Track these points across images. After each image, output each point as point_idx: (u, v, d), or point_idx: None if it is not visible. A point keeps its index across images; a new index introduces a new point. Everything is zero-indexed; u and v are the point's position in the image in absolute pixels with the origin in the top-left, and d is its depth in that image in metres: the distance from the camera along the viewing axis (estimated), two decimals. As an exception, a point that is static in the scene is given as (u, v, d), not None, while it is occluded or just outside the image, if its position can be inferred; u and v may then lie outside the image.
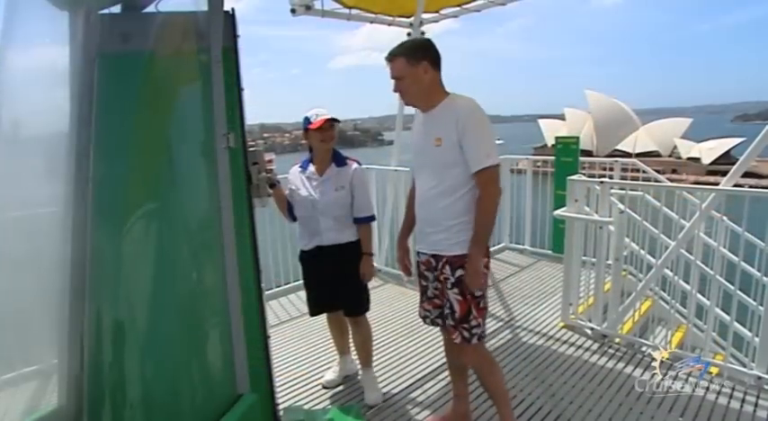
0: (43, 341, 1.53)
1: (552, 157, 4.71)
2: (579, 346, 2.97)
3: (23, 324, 1.47)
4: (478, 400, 2.37)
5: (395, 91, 1.91)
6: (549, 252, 4.69)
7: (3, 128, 1.45)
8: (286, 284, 3.96)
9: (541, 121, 48.52)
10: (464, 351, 1.97)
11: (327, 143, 2.31)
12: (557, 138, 4.79)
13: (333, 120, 2.28)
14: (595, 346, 2.94)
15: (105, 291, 1.46)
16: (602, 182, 3.02)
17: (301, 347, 3.07)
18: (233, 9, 1.81)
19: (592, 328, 3.07)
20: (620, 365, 2.71)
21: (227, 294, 1.55)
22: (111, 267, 1.48)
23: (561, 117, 46.76)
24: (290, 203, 2.42)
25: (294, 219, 2.44)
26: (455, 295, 1.87)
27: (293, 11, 3.41)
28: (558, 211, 3.16)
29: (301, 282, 3.92)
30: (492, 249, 4.78)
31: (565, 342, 3.04)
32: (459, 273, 1.85)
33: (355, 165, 2.36)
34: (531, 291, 3.92)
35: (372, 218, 2.41)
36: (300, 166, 2.42)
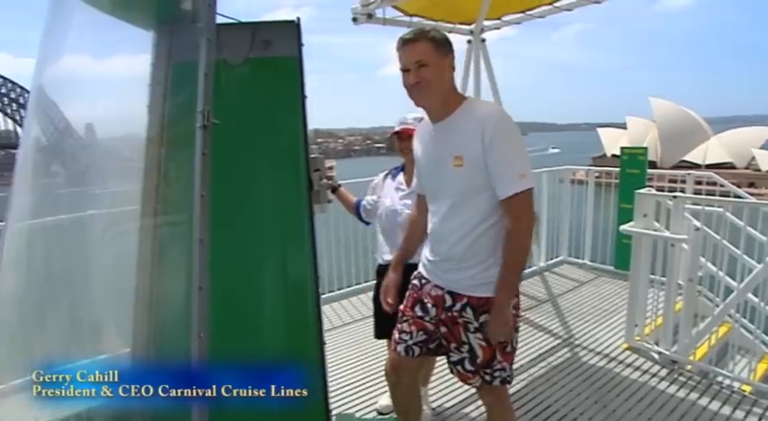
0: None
1: (616, 169, 4.47)
2: (645, 371, 2.77)
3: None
4: None
5: (410, 82, 1.48)
6: (611, 268, 4.45)
7: (95, 132, 1.59)
8: (339, 290, 4.00)
9: (601, 130, 46.52)
10: (483, 388, 1.66)
11: (408, 155, 2.11)
12: (622, 148, 4.55)
13: (409, 133, 2.02)
14: (663, 372, 2.74)
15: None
16: (675, 196, 2.82)
17: (353, 354, 3.07)
18: (298, 19, 1.86)
19: (660, 352, 2.86)
20: (694, 395, 2.50)
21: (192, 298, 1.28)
22: (174, 257, 1.59)
23: (622, 126, 44.60)
24: (358, 204, 2.38)
25: (361, 218, 2.40)
26: (478, 340, 1.56)
27: (355, 19, 3.45)
28: (624, 226, 2.98)
29: (355, 286, 4.03)
30: (550, 263, 4.68)
31: (629, 365, 2.85)
32: (484, 317, 1.54)
33: None
34: (592, 309, 3.72)
35: None
36: (391, 173, 2.29)
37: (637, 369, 2.80)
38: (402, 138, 2.13)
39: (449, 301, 1.60)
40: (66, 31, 1.57)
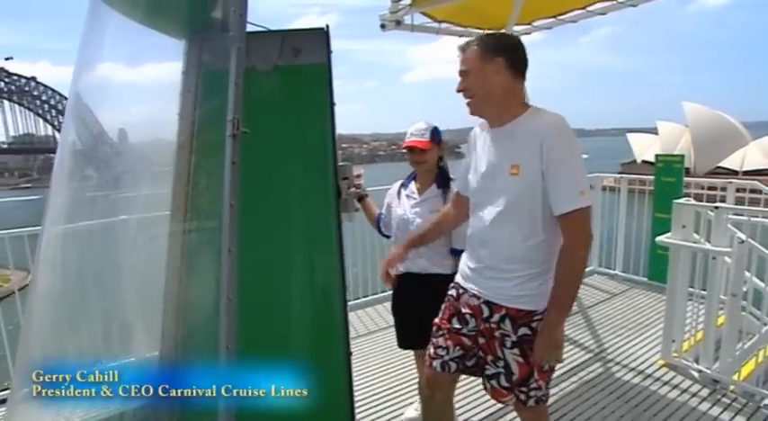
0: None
1: (649, 176, 4.33)
2: (684, 390, 2.63)
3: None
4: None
5: (458, 91, 1.53)
6: (644, 279, 4.30)
7: (128, 138, 1.62)
8: (364, 297, 3.97)
9: (630, 136, 45.24)
10: (518, 405, 1.62)
11: (420, 166, 2.14)
12: (657, 155, 4.40)
13: (421, 146, 2.07)
14: (704, 392, 2.59)
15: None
16: (716, 207, 2.69)
17: (378, 363, 3.04)
18: (327, 26, 1.85)
19: (700, 370, 2.71)
20: (739, 419, 2.35)
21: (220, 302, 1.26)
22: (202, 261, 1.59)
23: (652, 131, 43.28)
24: (379, 217, 2.35)
25: (381, 231, 2.37)
26: (515, 356, 1.51)
27: (383, 26, 3.42)
28: (661, 237, 2.86)
29: (381, 294, 3.99)
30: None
31: (666, 383, 2.72)
32: (523, 331, 1.49)
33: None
34: (625, 322, 3.58)
35: None
36: (403, 182, 2.27)
37: (674, 387, 2.67)
38: (412, 151, 2.11)
39: (486, 312, 1.55)
40: (101, 41, 1.61)
